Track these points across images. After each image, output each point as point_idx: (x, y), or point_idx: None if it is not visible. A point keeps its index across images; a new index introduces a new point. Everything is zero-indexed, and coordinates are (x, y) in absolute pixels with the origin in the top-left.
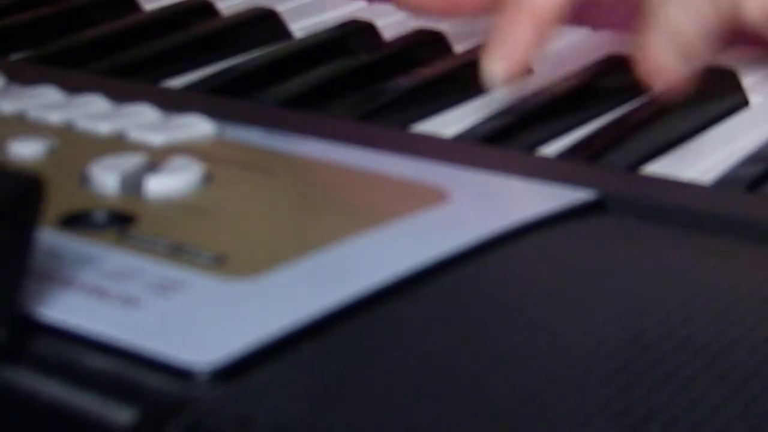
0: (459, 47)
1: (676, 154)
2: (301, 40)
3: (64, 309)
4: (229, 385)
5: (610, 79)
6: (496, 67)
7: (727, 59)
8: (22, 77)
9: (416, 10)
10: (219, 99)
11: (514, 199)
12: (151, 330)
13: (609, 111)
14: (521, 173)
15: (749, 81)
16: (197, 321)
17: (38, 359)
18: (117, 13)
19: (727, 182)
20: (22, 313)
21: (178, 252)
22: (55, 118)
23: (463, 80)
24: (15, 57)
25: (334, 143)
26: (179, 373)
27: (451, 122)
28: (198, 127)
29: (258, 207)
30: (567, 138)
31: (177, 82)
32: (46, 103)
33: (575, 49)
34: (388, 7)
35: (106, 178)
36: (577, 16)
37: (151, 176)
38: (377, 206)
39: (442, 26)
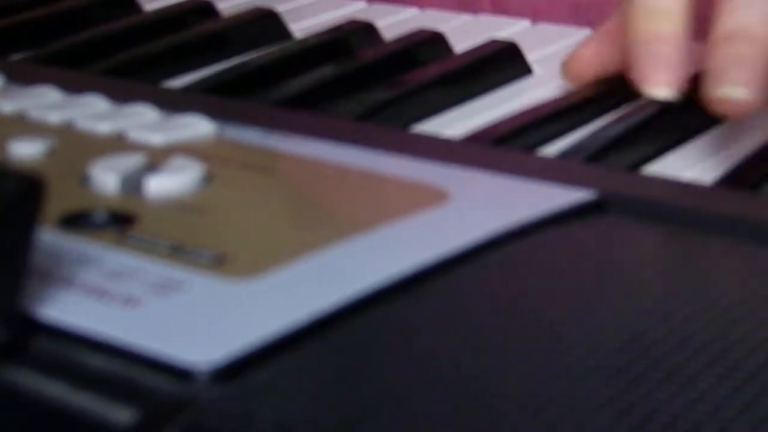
0: (459, 47)
1: (676, 154)
2: (301, 40)
3: (65, 308)
4: (229, 385)
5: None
6: (661, 91)
7: None
8: (22, 77)
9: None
10: (219, 99)
11: (514, 199)
12: (151, 330)
13: (609, 112)
14: (521, 173)
15: None
16: (197, 321)
17: (38, 359)
18: (117, 14)
19: (728, 182)
20: (22, 313)
21: (178, 252)
22: (55, 118)
23: (464, 81)
24: (15, 57)
25: (334, 143)
26: (179, 373)
27: (452, 123)
28: (198, 127)
29: (258, 207)
30: (567, 138)
31: (177, 82)
32: (46, 103)
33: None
34: (388, 8)
35: (106, 178)
36: (578, 17)
37: (151, 176)
38: (377, 206)
39: (442, 27)
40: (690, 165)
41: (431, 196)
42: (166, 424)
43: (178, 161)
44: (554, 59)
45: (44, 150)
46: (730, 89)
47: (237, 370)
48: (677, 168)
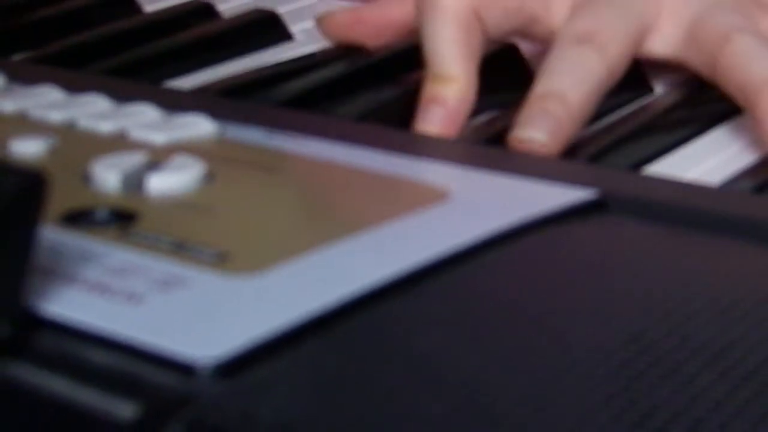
0: None
1: (677, 154)
2: (300, 41)
3: (68, 304)
4: (231, 381)
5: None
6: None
7: None
8: (24, 77)
9: (341, 38)
10: (220, 99)
11: (515, 198)
12: (154, 325)
13: (612, 111)
14: (522, 172)
15: None
16: (200, 317)
17: (42, 354)
18: (118, 15)
19: (733, 184)
20: (25, 309)
21: (180, 249)
22: (56, 117)
23: None
24: (17, 57)
25: (335, 143)
26: (182, 369)
27: None
28: (199, 126)
29: (259, 205)
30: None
31: (177, 83)
32: (48, 102)
33: None
34: None
35: (108, 176)
36: None
37: (152, 174)
38: (378, 205)
39: None
40: (692, 165)
41: (432, 195)
42: (169, 419)
43: (179, 160)
44: None
45: (46, 149)
46: (532, 132)
47: (239, 366)
48: (679, 168)
